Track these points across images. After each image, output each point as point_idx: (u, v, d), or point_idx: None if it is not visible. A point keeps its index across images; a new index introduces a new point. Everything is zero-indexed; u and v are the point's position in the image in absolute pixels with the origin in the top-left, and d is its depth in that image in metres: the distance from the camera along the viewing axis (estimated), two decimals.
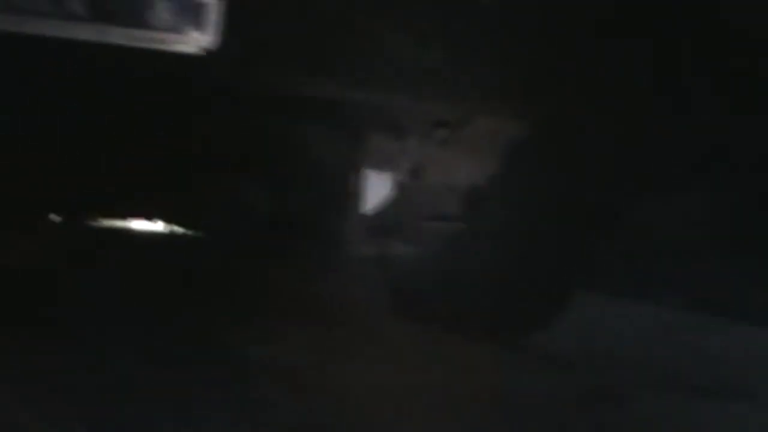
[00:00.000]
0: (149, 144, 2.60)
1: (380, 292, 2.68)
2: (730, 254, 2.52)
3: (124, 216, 3.99)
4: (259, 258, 3.26)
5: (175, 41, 1.50)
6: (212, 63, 1.57)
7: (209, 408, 1.65)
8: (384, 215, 2.51)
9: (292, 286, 2.97)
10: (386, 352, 2.19)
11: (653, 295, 3.05)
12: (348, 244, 2.76)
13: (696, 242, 2.58)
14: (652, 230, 2.73)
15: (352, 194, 2.60)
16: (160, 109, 2.37)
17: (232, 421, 1.63)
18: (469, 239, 2.39)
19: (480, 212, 2.37)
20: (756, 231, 2.44)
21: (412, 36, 1.91)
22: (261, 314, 2.40)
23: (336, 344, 2.22)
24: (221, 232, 2.90)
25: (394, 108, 2.29)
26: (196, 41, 1.50)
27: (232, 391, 1.76)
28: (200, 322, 2.33)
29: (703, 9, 1.88)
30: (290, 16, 1.72)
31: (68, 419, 1.52)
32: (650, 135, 2.15)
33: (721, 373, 2.33)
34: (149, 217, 3.83)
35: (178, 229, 3.25)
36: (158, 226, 4.18)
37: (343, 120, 2.42)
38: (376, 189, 2.48)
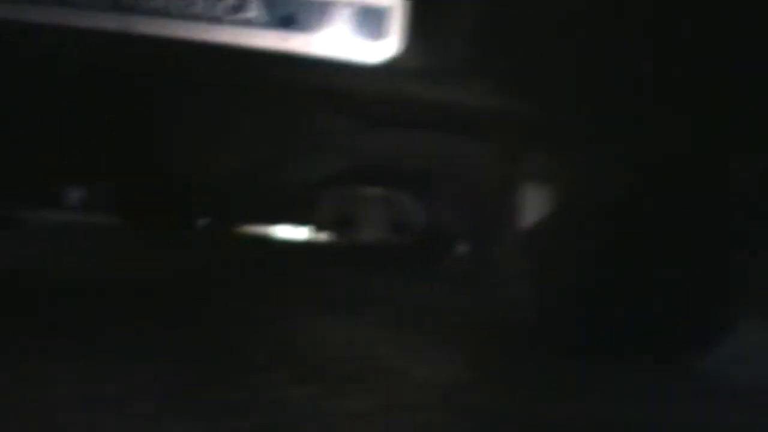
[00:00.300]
0: (313, 154, 2.63)
1: (531, 312, 2.64)
2: None
3: (278, 223, 4.09)
4: (411, 272, 3.28)
5: (353, 49, 1.48)
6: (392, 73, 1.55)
7: None
8: (538, 233, 2.46)
9: (442, 302, 2.96)
10: (537, 376, 2.14)
11: None
12: (502, 261, 2.73)
13: None
14: None
15: (509, 211, 2.56)
16: (331, 121, 2.39)
17: None
18: (626, 259, 2.33)
19: (638, 232, 2.30)
20: None
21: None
22: (409, 329, 2.40)
23: (484, 363, 2.19)
24: (376, 245, 2.91)
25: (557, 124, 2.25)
26: (376, 50, 1.48)
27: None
28: (347, 334, 2.34)
29: None
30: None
31: None
32: None
33: None
34: (304, 223, 3.90)
35: (330, 239, 3.26)
36: (312, 234, 4.24)
37: (503, 134, 2.39)
38: (534, 205, 2.44)
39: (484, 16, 1.70)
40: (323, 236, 3.13)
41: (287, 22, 1.49)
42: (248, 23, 1.51)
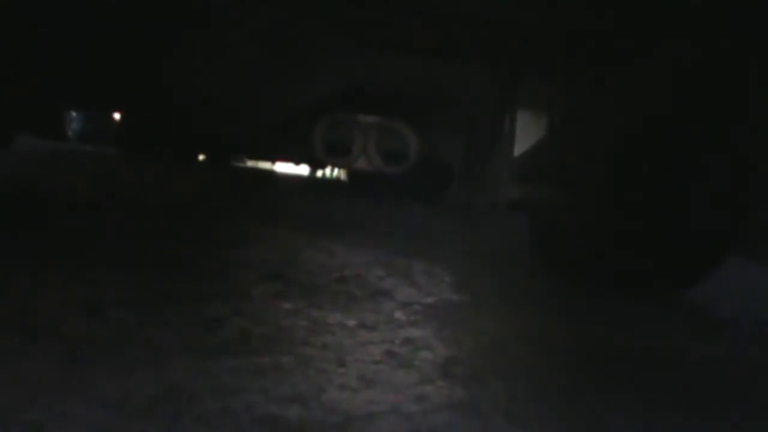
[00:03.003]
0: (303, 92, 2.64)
1: (526, 237, 2.64)
2: None
3: (274, 152, 4.10)
4: (405, 199, 3.28)
5: None
6: None
7: None
8: (535, 158, 2.45)
9: (437, 227, 2.96)
10: (534, 301, 2.15)
11: None
12: (496, 187, 2.72)
13: None
14: None
15: (505, 136, 2.55)
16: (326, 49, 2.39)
17: None
18: (621, 188, 2.31)
19: (634, 161, 2.28)
20: None
21: None
22: (403, 253, 2.40)
23: (480, 286, 2.20)
24: (366, 173, 2.90)
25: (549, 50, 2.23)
26: None
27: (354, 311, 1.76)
28: (345, 257, 2.35)
29: None
30: None
31: None
32: None
33: None
34: (298, 160, 3.91)
35: (323, 171, 3.24)
36: (304, 168, 4.23)
37: (498, 62, 2.37)
38: (529, 131, 2.43)
39: None
40: (319, 164, 3.11)
41: None
42: None
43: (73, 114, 4.29)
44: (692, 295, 2.47)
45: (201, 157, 5.19)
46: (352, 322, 1.67)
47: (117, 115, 4.58)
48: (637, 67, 2.19)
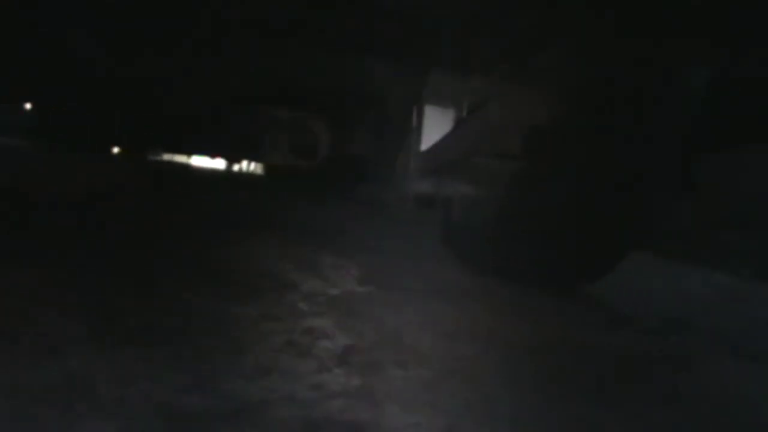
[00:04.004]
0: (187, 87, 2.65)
1: (435, 231, 2.68)
2: None
3: (188, 146, 4.08)
4: (317, 193, 3.30)
5: None
6: None
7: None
8: (443, 151, 2.49)
9: (347, 222, 2.99)
10: (439, 293, 2.20)
11: (725, 265, 3.03)
12: (405, 181, 2.76)
13: None
14: (726, 199, 2.69)
15: (413, 131, 2.59)
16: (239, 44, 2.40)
17: None
18: (529, 180, 2.36)
19: (542, 153, 2.33)
20: None
21: None
22: (312, 248, 2.43)
23: (386, 278, 2.24)
24: (281, 167, 2.92)
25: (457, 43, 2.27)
26: None
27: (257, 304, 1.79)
28: (255, 251, 2.36)
29: None
30: None
31: None
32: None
33: None
34: (213, 154, 3.90)
35: (241, 166, 3.25)
36: (220, 162, 4.23)
37: (406, 55, 2.40)
38: (437, 124, 2.47)
39: None
40: (233, 159, 3.12)
41: None
42: None
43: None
44: (596, 290, 2.53)
45: (116, 150, 5.13)
46: (254, 313, 1.69)
47: (28, 106, 4.51)
48: (543, 61, 2.24)
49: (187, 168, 4.19)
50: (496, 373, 1.56)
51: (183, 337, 1.47)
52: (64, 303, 1.54)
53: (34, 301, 1.52)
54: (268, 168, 3.42)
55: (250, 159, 2.98)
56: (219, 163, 3.86)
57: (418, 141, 2.54)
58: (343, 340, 1.58)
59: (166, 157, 5.52)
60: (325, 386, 1.32)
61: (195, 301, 1.73)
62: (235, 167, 4.25)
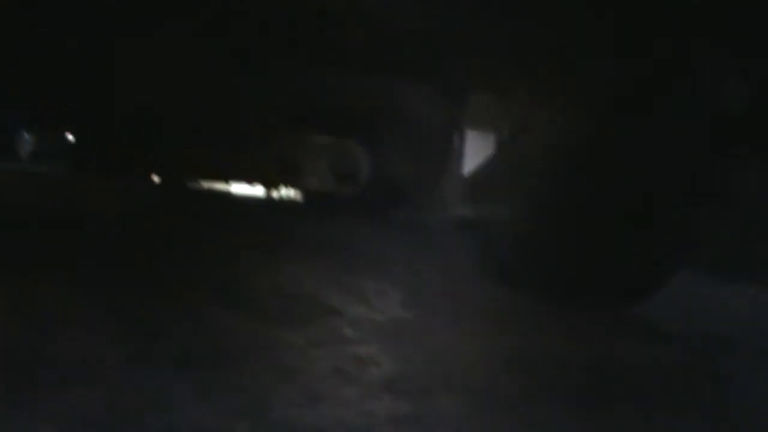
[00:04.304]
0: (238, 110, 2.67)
1: (473, 255, 2.67)
2: None
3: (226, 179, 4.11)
4: (358, 218, 3.30)
5: None
6: None
7: None
8: (485, 175, 2.48)
9: (389, 246, 2.99)
10: (483, 317, 2.18)
11: (759, 278, 2.98)
12: (445, 205, 2.76)
13: None
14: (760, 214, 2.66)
15: (453, 157, 2.59)
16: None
17: None
18: (570, 204, 2.34)
19: (582, 176, 2.31)
20: None
21: None
22: (354, 274, 2.43)
23: (430, 303, 2.23)
24: (322, 193, 2.92)
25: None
26: None
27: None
28: (298, 276, 2.37)
29: None
30: None
31: None
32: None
33: None
34: (251, 180, 3.92)
35: (279, 192, 3.27)
36: (259, 189, 4.25)
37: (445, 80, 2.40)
38: (477, 149, 2.47)
39: None
40: (273, 185, 3.13)
41: None
42: None
43: (26, 134, 4.26)
44: (641, 309, 2.50)
45: (156, 179, 5.17)
46: (301, 340, 1.68)
47: (70, 136, 4.55)
48: (583, 84, 2.23)
49: (227, 195, 4.20)
50: (542, 396, 1.54)
51: (230, 363, 1.47)
52: (110, 327, 1.55)
53: (81, 327, 1.53)
54: (307, 194, 3.43)
55: (290, 184, 2.99)
56: (257, 191, 3.87)
57: (460, 165, 2.53)
58: (390, 367, 1.57)
59: (205, 184, 5.55)
60: (375, 413, 1.31)
61: (240, 326, 1.73)
62: (274, 194, 4.27)
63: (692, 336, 2.31)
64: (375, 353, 1.65)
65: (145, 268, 2.23)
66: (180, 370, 1.38)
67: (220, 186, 4.76)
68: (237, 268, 2.39)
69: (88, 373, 1.30)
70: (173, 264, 2.34)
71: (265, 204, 3.59)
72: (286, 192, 3.29)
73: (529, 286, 2.46)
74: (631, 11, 1.99)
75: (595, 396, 1.59)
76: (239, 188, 4.64)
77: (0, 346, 1.41)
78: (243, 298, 2.00)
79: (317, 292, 2.18)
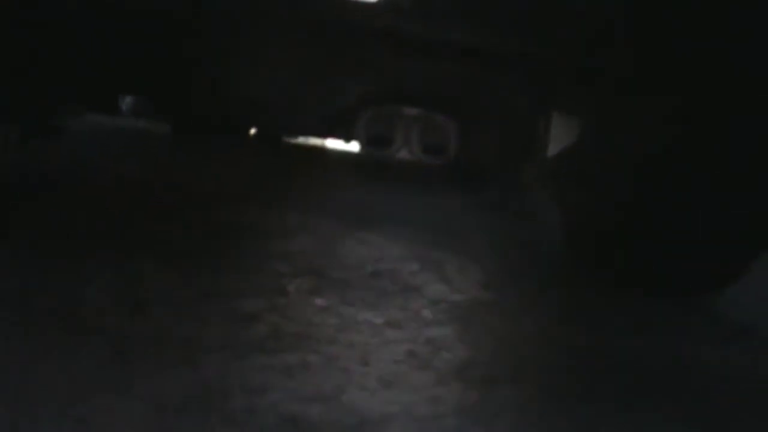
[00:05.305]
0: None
1: (557, 234, 2.70)
2: None
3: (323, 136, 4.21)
4: (444, 190, 3.36)
5: None
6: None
7: None
8: (568, 159, 2.51)
9: (469, 224, 3.04)
10: (559, 302, 2.23)
11: None
12: (529, 186, 2.80)
13: None
14: None
15: (538, 137, 2.62)
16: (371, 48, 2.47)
17: None
18: (651, 189, 2.36)
19: (668, 156, 2.33)
20: None
21: None
22: (438, 248, 2.49)
23: (508, 284, 2.28)
24: (411, 164, 2.98)
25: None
26: None
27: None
28: (382, 251, 2.44)
29: None
30: None
31: None
32: None
33: None
34: (345, 139, 3.99)
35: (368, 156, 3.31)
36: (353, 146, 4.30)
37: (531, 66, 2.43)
38: (563, 132, 2.49)
39: None
40: (362, 152, 3.20)
41: None
42: None
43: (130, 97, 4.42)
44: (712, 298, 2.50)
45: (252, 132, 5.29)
46: (379, 320, 1.77)
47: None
48: (668, 72, 2.24)
49: (321, 152, 4.28)
50: (603, 391, 1.60)
51: (309, 345, 1.56)
52: (199, 309, 1.66)
53: (177, 307, 1.65)
54: (396, 163, 3.49)
55: (379, 156, 3.05)
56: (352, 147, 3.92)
57: (545, 147, 2.57)
58: (461, 352, 1.65)
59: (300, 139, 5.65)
60: (442, 401, 1.39)
61: (320, 305, 1.82)
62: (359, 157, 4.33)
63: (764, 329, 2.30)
64: (449, 337, 1.73)
65: (234, 240, 2.34)
66: (265, 352, 1.48)
67: (311, 144, 4.84)
68: (319, 239, 2.48)
69: (183, 356, 1.41)
70: (262, 238, 2.44)
71: (356, 170, 3.66)
72: (377, 159, 3.35)
73: (610, 270, 2.50)
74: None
75: (662, 395, 1.63)
76: (334, 144, 4.72)
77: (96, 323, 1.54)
78: (323, 273, 2.09)
79: (400, 266, 2.26)
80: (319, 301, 1.84)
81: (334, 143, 4.88)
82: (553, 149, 2.54)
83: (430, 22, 2.01)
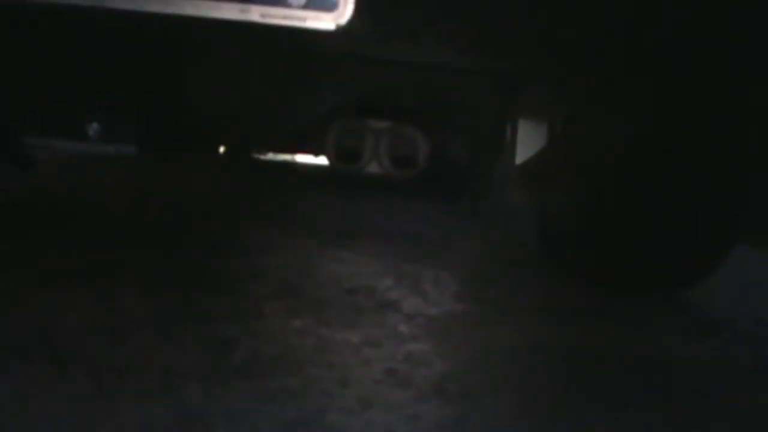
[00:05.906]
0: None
1: (529, 237, 2.72)
2: None
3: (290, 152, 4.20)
4: (415, 201, 3.37)
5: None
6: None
7: None
8: (536, 163, 2.53)
9: (442, 234, 3.05)
10: (536, 309, 2.24)
11: None
12: (500, 190, 2.81)
13: None
14: None
15: (507, 143, 2.63)
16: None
17: None
18: (621, 188, 2.38)
19: (635, 160, 2.35)
20: None
21: None
22: (412, 260, 2.50)
23: (483, 294, 2.29)
24: (378, 174, 2.99)
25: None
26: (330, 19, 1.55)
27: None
28: (355, 266, 2.45)
29: None
30: None
31: None
32: None
33: None
34: (313, 154, 3.99)
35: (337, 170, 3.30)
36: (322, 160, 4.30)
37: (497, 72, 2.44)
38: (530, 138, 2.51)
39: None
40: (331, 166, 3.21)
41: None
42: None
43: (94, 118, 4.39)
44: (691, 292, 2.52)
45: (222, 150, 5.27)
46: (357, 339, 1.78)
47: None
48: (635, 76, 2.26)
49: (292, 167, 4.28)
50: (585, 394, 1.61)
51: (288, 368, 1.57)
52: (178, 335, 1.66)
53: (156, 334, 1.64)
54: (365, 177, 3.49)
55: (349, 170, 3.06)
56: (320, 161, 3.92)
57: (513, 153, 2.59)
58: (440, 366, 1.66)
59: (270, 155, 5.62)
60: (423, 417, 1.40)
61: (298, 327, 1.82)
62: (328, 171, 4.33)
63: (742, 323, 2.31)
64: (427, 351, 1.74)
65: (211, 259, 2.34)
66: (245, 378, 1.48)
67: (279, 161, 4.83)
68: (291, 254, 2.48)
69: (164, 384, 1.41)
70: (235, 257, 2.44)
71: (324, 185, 3.66)
72: (346, 173, 3.35)
73: (584, 271, 2.52)
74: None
75: (644, 396, 1.65)
76: (303, 159, 4.70)
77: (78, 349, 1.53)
78: (298, 291, 2.09)
79: (375, 281, 2.26)
80: (296, 323, 1.84)
81: (303, 158, 4.87)
82: (521, 155, 2.56)
83: (389, 45, 2.01)
